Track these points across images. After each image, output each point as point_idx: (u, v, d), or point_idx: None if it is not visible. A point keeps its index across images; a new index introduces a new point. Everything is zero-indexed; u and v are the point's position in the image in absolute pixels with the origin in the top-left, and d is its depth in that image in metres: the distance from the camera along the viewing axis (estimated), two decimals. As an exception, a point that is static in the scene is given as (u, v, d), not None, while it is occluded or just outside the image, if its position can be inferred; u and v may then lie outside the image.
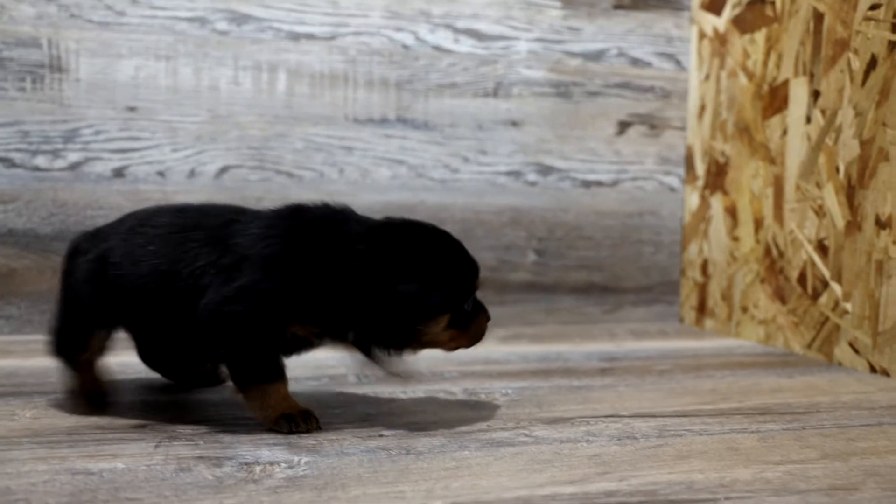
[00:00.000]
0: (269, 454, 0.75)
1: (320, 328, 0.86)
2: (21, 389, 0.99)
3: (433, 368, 1.14)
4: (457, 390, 1.03)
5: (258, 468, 0.71)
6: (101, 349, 0.94)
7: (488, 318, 0.91)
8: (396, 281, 0.82)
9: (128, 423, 0.85)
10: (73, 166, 1.38)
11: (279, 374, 0.85)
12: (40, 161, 1.36)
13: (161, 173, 1.42)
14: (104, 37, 1.38)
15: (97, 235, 0.93)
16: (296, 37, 1.46)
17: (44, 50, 1.36)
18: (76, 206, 1.38)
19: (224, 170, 1.44)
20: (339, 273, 0.83)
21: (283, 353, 0.87)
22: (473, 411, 0.92)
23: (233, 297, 0.81)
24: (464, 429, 0.85)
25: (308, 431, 0.83)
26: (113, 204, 1.39)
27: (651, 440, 0.83)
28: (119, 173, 1.40)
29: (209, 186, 1.43)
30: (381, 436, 0.82)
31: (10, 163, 1.35)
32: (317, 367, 1.12)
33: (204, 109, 1.43)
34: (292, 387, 0.85)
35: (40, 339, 1.31)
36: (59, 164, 1.37)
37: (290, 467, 0.71)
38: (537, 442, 0.81)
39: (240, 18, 1.43)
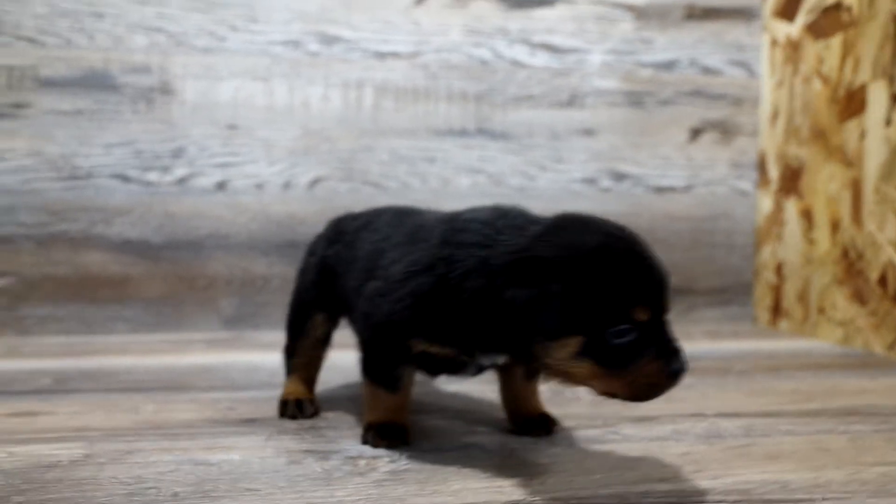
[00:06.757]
0: (372, 449, 0.74)
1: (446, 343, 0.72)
2: (141, 385, 1.01)
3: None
4: (543, 388, 1.01)
5: (363, 462, 0.70)
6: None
7: (669, 369, 0.62)
8: (509, 286, 0.62)
9: (238, 417, 0.86)
10: (181, 181, 1.42)
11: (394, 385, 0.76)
12: (152, 177, 1.41)
13: (259, 186, 1.44)
14: (207, 61, 1.42)
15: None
16: (381, 56, 1.47)
17: (154, 75, 1.40)
18: (183, 217, 1.42)
19: (316, 181, 1.46)
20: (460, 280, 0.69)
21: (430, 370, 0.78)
22: (561, 409, 0.90)
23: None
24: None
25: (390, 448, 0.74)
26: (215, 214, 1.43)
27: (739, 440, 0.79)
28: (221, 186, 1.43)
29: (302, 197, 1.45)
30: (475, 433, 0.81)
31: (125, 178, 1.40)
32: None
33: (297, 126, 1.45)
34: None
35: (155, 338, 1.36)
36: (168, 179, 1.41)
37: (392, 461, 0.71)
38: (626, 440, 0.79)
39: (330, 40, 1.45)
